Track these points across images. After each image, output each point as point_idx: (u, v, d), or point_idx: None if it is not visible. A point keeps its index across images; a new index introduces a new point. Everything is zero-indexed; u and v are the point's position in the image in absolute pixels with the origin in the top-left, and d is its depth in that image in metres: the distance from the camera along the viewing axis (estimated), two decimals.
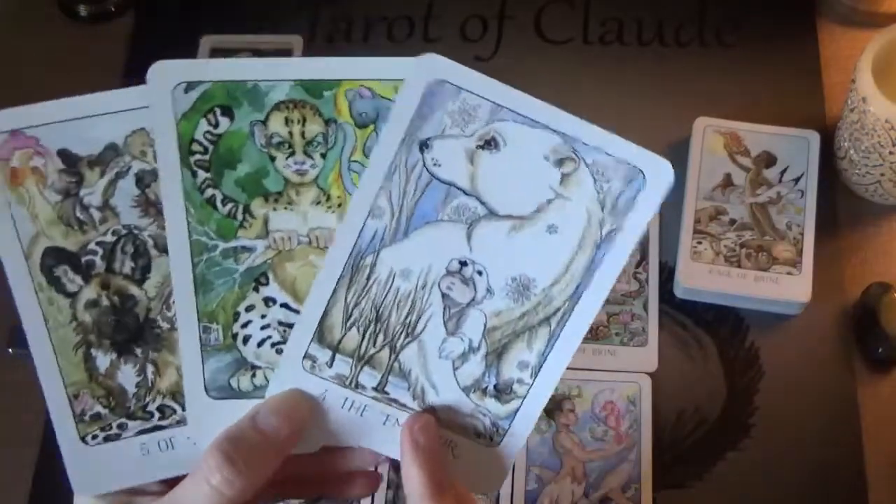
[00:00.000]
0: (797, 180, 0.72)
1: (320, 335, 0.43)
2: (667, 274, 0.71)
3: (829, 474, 0.65)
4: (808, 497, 0.64)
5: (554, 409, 0.67)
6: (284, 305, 0.43)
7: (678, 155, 0.74)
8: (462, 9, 0.83)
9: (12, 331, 0.69)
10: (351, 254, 0.42)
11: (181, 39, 0.81)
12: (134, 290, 0.43)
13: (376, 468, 0.48)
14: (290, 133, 0.42)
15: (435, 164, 0.42)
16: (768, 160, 0.72)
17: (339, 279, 0.42)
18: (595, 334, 0.69)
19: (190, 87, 0.42)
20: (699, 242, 0.70)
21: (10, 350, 0.70)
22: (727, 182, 0.72)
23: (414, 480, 0.41)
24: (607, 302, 0.70)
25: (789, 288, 0.68)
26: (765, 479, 0.65)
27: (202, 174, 0.42)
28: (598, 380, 0.68)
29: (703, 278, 0.69)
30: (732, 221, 0.70)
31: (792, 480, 0.65)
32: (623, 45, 0.81)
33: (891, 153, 0.67)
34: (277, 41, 0.80)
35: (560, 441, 0.66)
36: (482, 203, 0.42)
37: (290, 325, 0.43)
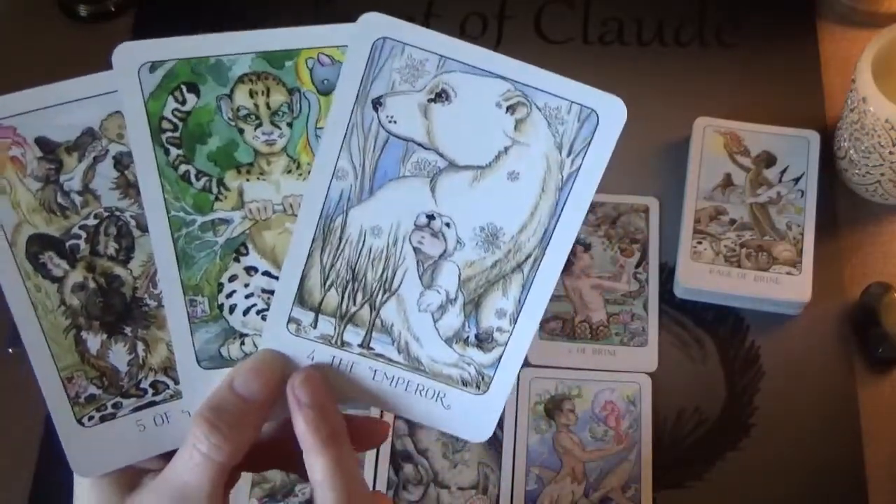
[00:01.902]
0: (797, 180, 0.72)
1: (301, 298, 0.43)
2: (667, 274, 0.71)
3: (829, 474, 0.65)
4: (808, 497, 0.64)
5: (554, 409, 0.67)
6: (266, 273, 0.44)
7: (678, 155, 0.74)
8: (462, 8, 0.83)
9: (12, 330, 0.69)
10: (320, 217, 0.43)
11: None
12: (119, 270, 0.44)
13: (381, 414, 0.48)
14: (256, 105, 0.43)
15: (390, 121, 0.43)
16: (768, 160, 0.72)
17: (312, 242, 0.43)
18: (595, 334, 0.69)
19: (154, 66, 0.43)
20: (699, 242, 0.70)
21: (10, 350, 0.70)
22: (727, 182, 0.72)
23: (301, 436, 0.41)
24: (607, 302, 0.71)
25: (789, 288, 0.68)
26: (765, 479, 0.65)
27: (174, 151, 0.43)
28: (598, 380, 0.68)
29: (703, 278, 0.69)
30: (732, 221, 0.70)
31: (792, 480, 0.65)
32: (623, 45, 0.81)
33: (891, 153, 0.67)
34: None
35: (560, 441, 0.66)
36: (441, 156, 0.43)
37: (273, 292, 0.44)
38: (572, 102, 0.42)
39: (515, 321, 0.43)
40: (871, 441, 0.65)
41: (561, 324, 0.70)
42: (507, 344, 0.44)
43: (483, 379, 0.44)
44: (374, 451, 0.66)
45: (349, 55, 0.43)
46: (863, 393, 0.67)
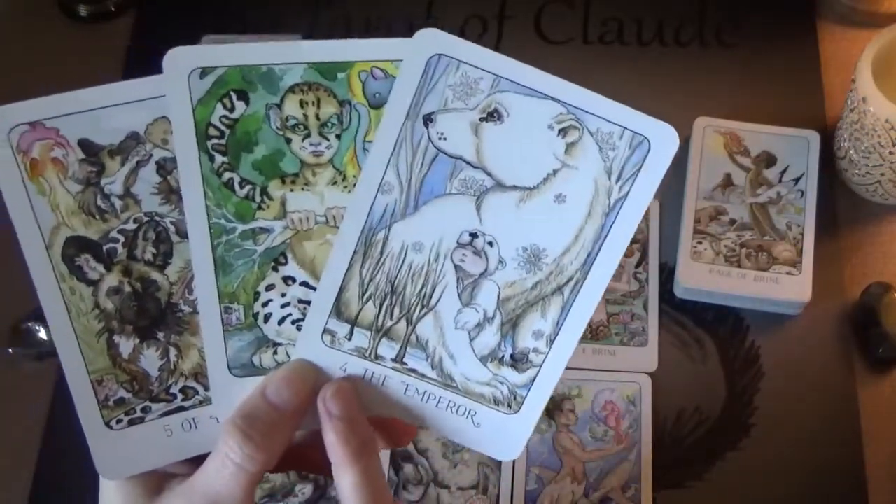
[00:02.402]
0: (797, 180, 0.72)
1: (338, 310, 0.43)
2: (667, 274, 0.71)
3: (829, 474, 0.65)
4: (808, 497, 0.64)
5: (554, 409, 0.67)
6: (304, 284, 0.44)
7: (678, 155, 0.74)
8: (462, 9, 0.83)
9: (12, 331, 0.69)
10: (363, 230, 0.43)
11: (181, 39, 0.80)
12: (156, 275, 0.44)
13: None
14: (305, 115, 0.43)
15: (440, 138, 0.42)
16: (768, 160, 0.72)
17: (353, 255, 0.43)
18: (595, 334, 0.69)
19: (205, 72, 0.43)
20: (699, 242, 0.70)
21: (10, 350, 0.70)
22: (727, 182, 0.72)
23: (330, 448, 0.41)
24: (607, 302, 0.71)
25: (789, 288, 0.68)
26: (765, 479, 0.65)
27: (219, 158, 0.43)
28: (598, 380, 0.68)
29: (703, 278, 0.69)
30: (732, 221, 0.70)
31: (792, 480, 0.65)
32: (623, 45, 0.81)
33: (891, 153, 0.67)
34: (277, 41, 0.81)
35: (560, 441, 0.66)
36: (489, 175, 0.43)
37: (310, 303, 0.44)
38: (625, 128, 0.42)
39: (552, 343, 0.43)
40: (871, 441, 0.65)
41: None
42: (542, 365, 0.43)
43: (515, 399, 0.43)
44: None
45: (403, 69, 0.42)
46: (863, 393, 0.67)
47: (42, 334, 0.68)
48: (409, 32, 0.42)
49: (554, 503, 0.64)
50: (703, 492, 0.65)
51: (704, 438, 0.66)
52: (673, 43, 0.81)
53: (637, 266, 0.71)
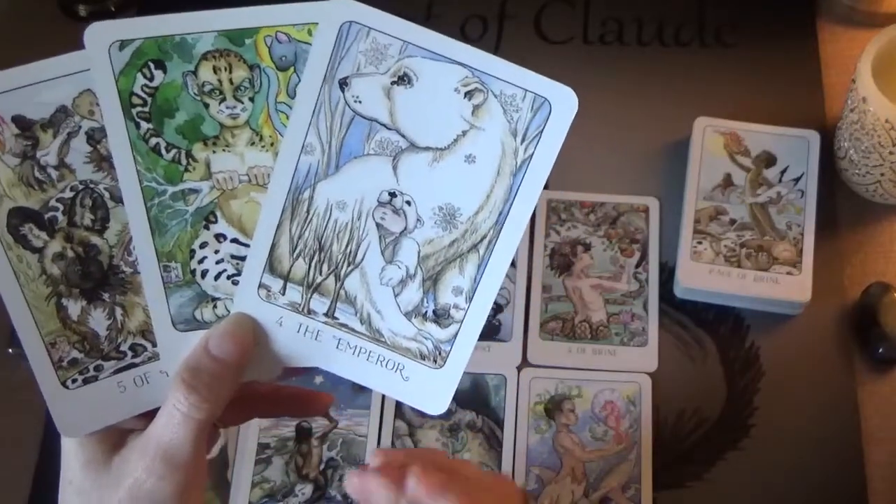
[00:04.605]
0: (797, 180, 0.72)
1: (271, 266, 0.46)
2: (667, 274, 0.71)
3: (829, 474, 0.65)
4: (808, 497, 0.64)
5: (554, 409, 0.67)
6: (234, 240, 0.46)
7: (678, 155, 0.74)
8: (462, 9, 0.83)
9: (12, 331, 0.69)
10: (290, 189, 0.45)
11: None
12: (96, 239, 0.46)
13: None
14: (220, 80, 0.45)
15: (356, 101, 0.45)
16: (768, 160, 0.72)
17: (282, 213, 0.45)
18: (595, 334, 0.69)
19: (123, 45, 0.45)
20: (699, 242, 0.70)
21: (10, 350, 0.70)
22: (727, 182, 0.72)
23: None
24: (607, 302, 0.71)
25: (789, 288, 0.68)
26: (765, 479, 0.65)
27: (144, 125, 0.45)
28: (598, 380, 0.68)
29: (703, 278, 0.69)
30: (732, 221, 0.70)
31: (792, 480, 0.65)
32: (623, 45, 0.81)
33: (891, 153, 0.67)
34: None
35: (560, 441, 0.66)
36: (403, 136, 0.45)
37: (242, 258, 0.46)
38: (526, 91, 0.44)
39: (471, 300, 0.45)
40: (871, 441, 0.65)
41: (561, 324, 0.70)
42: (462, 321, 0.45)
43: (440, 354, 0.45)
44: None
45: (317, 36, 0.44)
46: (863, 393, 0.67)
47: None
48: None
49: (554, 503, 0.64)
50: (703, 492, 0.65)
51: (704, 438, 0.66)
52: (673, 43, 0.81)
53: (637, 266, 0.71)
